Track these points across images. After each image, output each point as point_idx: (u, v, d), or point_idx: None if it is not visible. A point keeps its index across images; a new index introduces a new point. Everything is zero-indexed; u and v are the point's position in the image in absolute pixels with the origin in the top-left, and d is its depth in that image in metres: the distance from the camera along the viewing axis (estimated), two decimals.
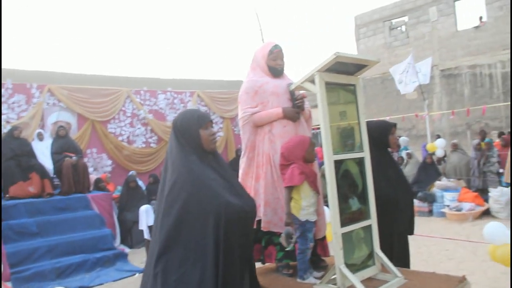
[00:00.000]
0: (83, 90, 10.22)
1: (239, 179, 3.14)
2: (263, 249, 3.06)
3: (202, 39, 51.08)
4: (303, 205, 2.76)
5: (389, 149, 3.36)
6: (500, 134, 10.36)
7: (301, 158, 2.82)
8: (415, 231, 3.55)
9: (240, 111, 3.18)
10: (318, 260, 3.06)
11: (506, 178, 9.48)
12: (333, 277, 2.54)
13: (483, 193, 9.42)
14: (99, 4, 47.52)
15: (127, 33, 48.22)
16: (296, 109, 3.05)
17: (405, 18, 17.75)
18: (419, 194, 9.66)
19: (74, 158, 8.06)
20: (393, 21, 18.21)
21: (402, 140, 12.52)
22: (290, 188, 2.78)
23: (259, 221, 2.98)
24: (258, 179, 3.06)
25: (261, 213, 2.97)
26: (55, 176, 8.19)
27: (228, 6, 54.40)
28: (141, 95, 11.18)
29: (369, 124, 2.91)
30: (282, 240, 2.71)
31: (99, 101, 10.38)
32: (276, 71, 3.16)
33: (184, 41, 49.89)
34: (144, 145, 11.12)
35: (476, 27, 15.88)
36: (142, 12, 50.77)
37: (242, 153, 3.20)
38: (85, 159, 9.50)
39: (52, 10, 45.80)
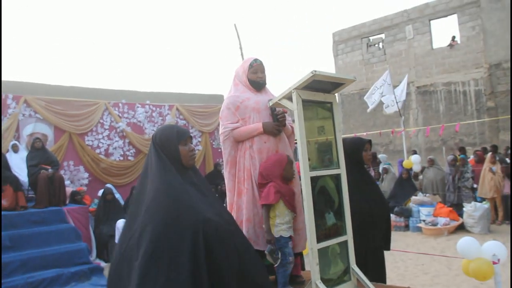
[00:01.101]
0: (61, 101, 10.09)
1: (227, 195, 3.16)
2: None
3: (182, 53, 51.09)
4: (277, 223, 2.81)
5: (366, 165, 3.42)
6: (493, 148, 10.60)
7: (279, 177, 2.86)
8: (392, 246, 3.60)
9: (221, 127, 3.19)
10: (294, 276, 3.07)
11: (479, 193, 9.69)
12: None
13: (458, 208, 9.60)
14: (78, 16, 47.22)
15: (106, 46, 47.95)
16: (276, 124, 3.07)
17: (382, 36, 18.13)
18: (396, 209, 9.78)
19: (50, 170, 7.93)
20: (371, 38, 18.57)
21: (382, 157, 12.69)
22: (267, 206, 2.82)
23: None
24: (240, 195, 3.07)
25: (243, 230, 2.98)
26: (29, 188, 8.03)
27: (208, 21, 54.66)
28: (119, 107, 11.09)
29: (344, 141, 2.95)
30: (268, 257, 2.74)
31: (77, 113, 10.25)
32: (257, 85, 3.18)
33: (163, 54, 49.84)
34: (122, 158, 11.00)
35: (450, 46, 16.32)
36: (121, 25, 50.61)
37: (224, 168, 3.21)
38: (62, 172, 9.35)
39: (30, 21, 45.31)
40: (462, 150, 11.82)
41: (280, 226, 2.82)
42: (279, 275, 2.84)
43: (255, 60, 3.21)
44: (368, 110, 12.88)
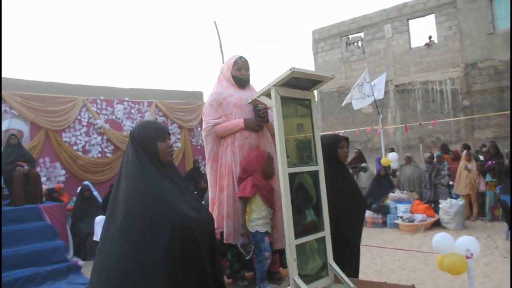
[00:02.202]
0: (38, 97, 9.92)
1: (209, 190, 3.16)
2: (229, 262, 3.08)
3: (161, 49, 50.68)
4: (253, 217, 2.84)
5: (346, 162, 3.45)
6: (465, 147, 10.80)
7: (259, 172, 2.90)
8: (370, 242, 3.65)
9: (204, 123, 3.22)
10: (272, 272, 3.10)
11: (455, 190, 9.89)
12: (288, 287, 2.58)
13: (434, 204, 9.78)
14: (55, 10, 46.41)
15: (84, 42, 47.24)
16: (257, 120, 3.09)
17: (362, 34, 18.29)
18: (373, 206, 9.89)
19: (26, 167, 7.79)
20: (350, 36, 18.72)
21: (393, 155, 12.48)
22: (244, 200, 2.85)
23: (222, 233, 3.00)
24: (221, 190, 3.09)
25: (224, 226, 2.99)
26: (4, 186, 7.88)
27: (187, 17, 54.32)
28: (97, 104, 10.96)
29: (322, 138, 2.99)
30: (241, 249, 2.78)
31: (54, 110, 10.09)
32: (240, 81, 3.21)
33: (142, 51, 49.37)
34: (100, 155, 10.88)
35: (427, 45, 16.58)
36: (99, 21, 49.91)
37: (206, 163, 3.23)
38: (38, 169, 9.19)
39: (6, 14, 44.33)
40: (444, 147, 12.01)
41: (256, 221, 2.86)
42: (256, 270, 2.88)
43: (240, 57, 3.24)
44: (355, 107, 12.99)
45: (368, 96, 11.99)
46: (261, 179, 2.90)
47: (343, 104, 13.13)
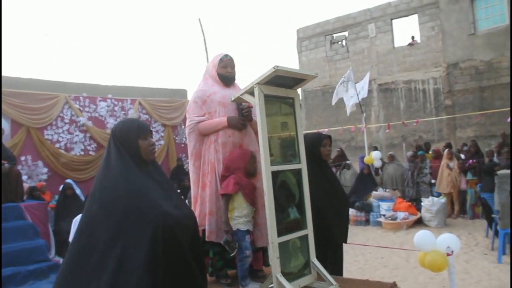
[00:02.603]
0: (19, 94, 9.75)
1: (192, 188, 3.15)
2: (211, 260, 3.07)
3: (145, 47, 50.30)
4: (235, 215, 2.86)
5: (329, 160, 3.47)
6: (446, 146, 10.96)
7: (241, 170, 2.91)
8: (353, 240, 3.68)
9: (187, 120, 3.21)
10: (256, 270, 3.10)
11: (437, 188, 10.02)
12: (270, 285, 2.59)
13: (416, 202, 9.89)
14: (37, 6, 45.74)
15: (66, 38, 46.65)
16: (241, 118, 3.09)
17: (346, 33, 18.39)
18: (357, 204, 9.97)
19: (7, 165, 7.66)
20: (334, 35, 18.81)
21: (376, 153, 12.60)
22: (227, 197, 2.85)
23: (204, 231, 3.00)
24: (204, 188, 3.09)
25: (206, 223, 2.98)
26: None
27: (172, 14, 54.00)
28: (80, 101, 10.82)
29: (305, 136, 3.00)
30: (225, 246, 2.79)
31: (36, 107, 9.94)
32: (226, 79, 3.21)
33: (126, 48, 48.95)
34: (82, 153, 10.76)
35: (410, 45, 16.75)
36: (82, 17, 49.32)
37: (189, 161, 3.22)
38: (19, 167, 9.05)
39: None
40: (427, 146, 12.19)
41: (238, 219, 2.87)
42: (238, 269, 2.88)
43: (226, 55, 3.25)
44: (333, 103, 13.09)
45: (351, 96, 12.08)
46: (243, 177, 2.92)
47: (333, 103, 13.18)
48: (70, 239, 6.51)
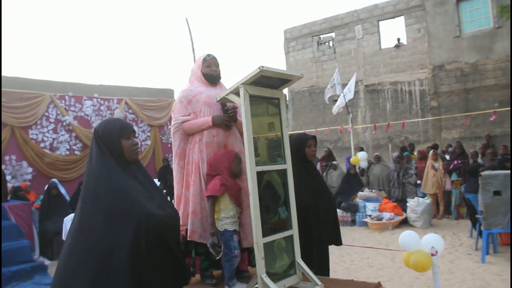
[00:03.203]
0: (2, 93, 9.63)
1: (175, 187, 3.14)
2: (193, 260, 3.05)
3: (132, 46, 49.99)
4: (221, 216, 2.86)
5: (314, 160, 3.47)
6: (433, 147, 11.08)
7: (226, 170, 2.90)
8: None
9: (172, 119, 3.22)
10: (241, 271, 3.10)
11: (423, 189, 10.10)
12: (256, 286, 2.58)
13: (402, 203, 9.96)
14: (23, 3, 45.21)
15: (52, 36, 46.16)
16: (226, 116, 3.09)
17: (333, 34, 18.47)
18: (343, 204, 10.01)
19: None
20: (321, 36, 18.88)
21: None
22: (213, 199, 2.85)
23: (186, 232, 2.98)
24: (188, 187, 3.08)
25: (189, 223, 2.97)
26: None
27: (159, 14, 53.75)
28: (66, 100, 10.73)
29: (290, 137, 3.01)
30: (211, 250, 2.77)
31: (20, 105, 9.83)
32: (211, 78, 3.22)
33: (112, 47, 48.61)
34: (68, 152, 10.66)
35: (396, 47, 16.89)
36: (68, 15, 48.86)
37: (173, 160, 3.21)
38: (3, 166, 8.94)
39: None
40: (411, 146, 12.33)
41: (225, 220, 2.87)
42: (225, 269, 2.87)
43: (208, 55, 3.27)
44: (327, 101, 13.21)
45: (344, 96, 12.17)
46: (229, 178, 2.91)
47: (327, 101, 13.30)
48: (63, 237, 6.44)
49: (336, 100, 13.15)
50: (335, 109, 12.73)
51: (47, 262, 7.56)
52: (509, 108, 11.20)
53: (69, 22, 49.18)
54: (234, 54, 50.97)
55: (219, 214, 2.87)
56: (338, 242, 3.41)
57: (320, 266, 3.20)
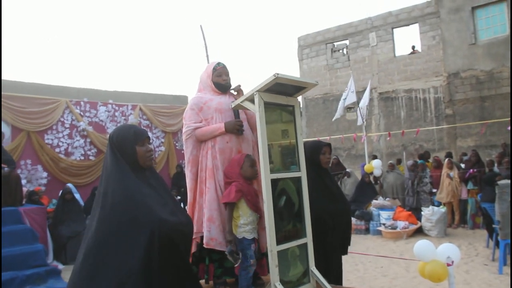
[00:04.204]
0: (19, 98, 9.76)
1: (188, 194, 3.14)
2: (207, 267, 3.04)
3: (146, 52, 50.44)
4: (240, 223, 2.81)
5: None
6: (447, 156, 10.97)
7: (239, 176, 2.88)
8: (352, 248, 3.66)
9: (184, 126, 3.21)
10: (255, 278, 3.08)
11: (438, 197, 9.99)
12: None
13: (416, 212, 9.86)
14: (39, 9, 45.96)
15: (68, 43, 46.80)
16: (237, 120, 3.08)
17: (347, 42, 18.43)
18: (357, 212, 9.94)
19: (6, 169, 7.65)
20: (335, 43, 18.84)
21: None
22: (230, 206, 2.82)
23: (202, 238, 2.97)
24: (202, 194, 3.07)
25: (204, 230, 2.96)
26: None
27: (173, 21, 54.21)
28: (81, 106, 10.84)
29: (304, 144, 3.00)
30: (229, 257, 2.75)
31: (36, 111, 9.95)
32: (221, 87, 3.22)
33: (127, 53, 49.10)
34: (82, 158, 10.75)
35: (411, 54, 16.78)
36: (84, 22, 49.52)
37: (186, 167, 3.21)
38: (18, 171, 9.04)
39: None
40: (427, 154, 12.21)
41: (244, 227, 2.82)
42: (241, 278, 2.84)
43: (218, 63, 3.26)
44: (333, 119, 13.15)
45: (343, 99, 12.15)
46: (245, 184, 2.89)
47: (333, 119, 13.25)
48: None
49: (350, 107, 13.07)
50: (339, 113, 12.69)
51: (60, 266, 7.61)
52: None
53: (85, 29, 49.84)
54: (248, 61, 51.14)
55: (238, 220, 2.84)
56: (344, 252, 3.39)
57: (334, 274, 3.17)
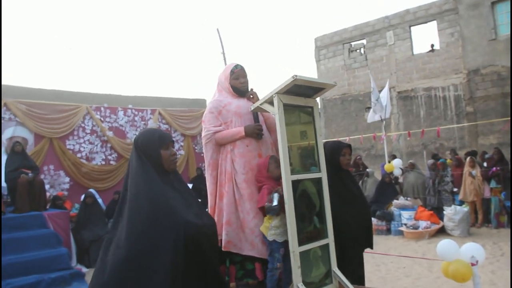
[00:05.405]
0: (41, 105, 9.96)
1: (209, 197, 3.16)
2: (227, 269, 3.06)
3: (164, 57, 50.87)
4: (271, 225, 2.81)
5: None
6: (452, 152, 10.82)
7: (268, 178, 2.89)
8: (374, 249, 3.63)
9: (204, 130, 3.22)
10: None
11: (461, 196, 9.83)
12: None
13: (438, 211, 9.73)
14: (60, 19, 46.76)
15: (88, 49, 47.50)
16: (257, 124, 3.09)
17: (364, 41, 18.31)
18: (378, 213, 9.85)
19: (31, 175, 7.81)
20: (352, 43, 18.73)
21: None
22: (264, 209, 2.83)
23: (221, 241, 2.99)
24: (221, 198, 3.08)
25: (223, 233, 2.98)
26: (6, 194, 7.89)
27: (190, 25, 54.57)
28: (101, 111, 11.00)
29: (324, 145, 2.99)
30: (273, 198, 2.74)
31: (57, 117, 10.13)
32: (239, 91, 3.22)
33: (146, 58, 49.59)
34: (103, 162, 10.90)
35: (430, 51, 16.58)
36: (103, 29, 50.21)
37: (206, 171, 3.23)
38: (42, 176, 9.21)
39: (10, 22, 44.67)
40: (453, 152, 12.05)
41: (275, 230, 2.82)
42: (267, 279, 2.85)
43: (236, 66, 3.24)
44: (369, 120, 12.98)
45: (379, 112, 11.97)
46: (275, 185, 2.88)
47: (369, 121, 13.09)
48: None
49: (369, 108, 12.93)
50: (371, 118, 12.52)
51: (84, 269, 7.73)
52: None
53: (105, 36, 50.55)
54: (265, 63, 51.17)
55: (270, 222, 2.84)
56: (369, 245, 3.37)
57: (355, 275, 3.16)
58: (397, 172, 11.40)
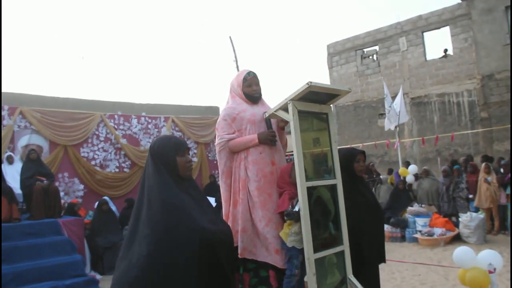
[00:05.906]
0: (56, 113, 10.10)
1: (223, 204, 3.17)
2: (241, 277, 3.06)
3: (177, 65, 51.26)
4: (291, 231, 2.80)
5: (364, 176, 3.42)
6: (486, 159, 10.69)
7: (290, 184, 2.89)
8: (388, 256, 3.61)
9: (217, 137, 3.21)
10: None
11: (476, 203, 9.71)
12: None
13: (452, 218, 9.61)
14: (74, 27, 47.41)
15: (102, 58, 48.08)
16: (270, 131, 3.08)
17: (376, 48, 18.26)
18: (392, 220, 9.76)
19: (46, 182, 7.89)
20: (365, 50, 18.70)
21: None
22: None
23: (237, 248, 2.99)
24: (235, 205, 3.08)
25: (237, 240, 2.98)
26: (22, 201, 7.98)
27: (203, 33, 54.96)
28: (115, 119, 11.10)
29: (338, 152, 2.98)
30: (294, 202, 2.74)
31: (72, 125, 10.25)
32: (252, 98, 3.21)
33: (159, 66, 50.02)
34: (117, 170, 10.99)
35: (444, 57, 16.48)
36: (117, 37, 50.79)
37: (220, 178, 3.23)
38: (56, 183, 9.31)
39: (24, 31, 45.42)
40: (469, 157, 11.93)
41: (295, 236, 2.80)
42: (283, 286, 2.84)
43: (249, 73, 3.23)
44: (386, 128, 12.86)
45: (394, 121, 11.89)
46: (296, 191, 2.88)
47: (386, 128, 12.97)
48: None
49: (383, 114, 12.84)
50: (388, 126, 12.42)
51: (98, 276, 7.76)
52: None
53: (117, 45, 51.12)
54: (277, 70, 51.28)
55: (290, 228, 2.82)
56: (381, 258, 3.34)
57: (370, 283, 3.13)
58: (409, 179, 11.30)
